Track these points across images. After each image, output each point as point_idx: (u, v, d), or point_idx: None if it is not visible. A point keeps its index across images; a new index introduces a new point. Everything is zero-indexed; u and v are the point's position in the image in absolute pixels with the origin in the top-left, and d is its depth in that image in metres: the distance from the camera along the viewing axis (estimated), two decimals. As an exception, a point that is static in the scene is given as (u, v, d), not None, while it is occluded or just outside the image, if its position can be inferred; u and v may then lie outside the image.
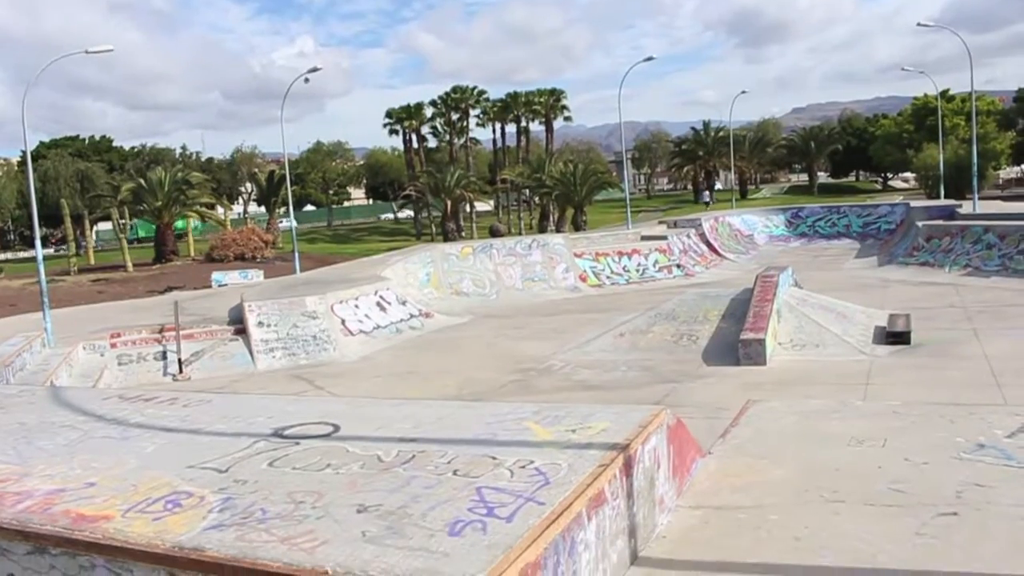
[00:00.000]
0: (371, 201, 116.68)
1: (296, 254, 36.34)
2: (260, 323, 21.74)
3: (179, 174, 57.31)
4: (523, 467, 4.06)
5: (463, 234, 67.14)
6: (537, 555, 3.18)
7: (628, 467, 4.01)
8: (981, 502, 4.26)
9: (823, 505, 4.41)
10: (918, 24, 43.15)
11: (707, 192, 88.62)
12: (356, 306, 23.94)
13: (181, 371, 19.93)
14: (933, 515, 4.12)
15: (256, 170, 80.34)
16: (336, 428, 5.13)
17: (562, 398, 15.26)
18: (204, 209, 60.86)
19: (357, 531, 3.53)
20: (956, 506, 4.25)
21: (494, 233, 61.72)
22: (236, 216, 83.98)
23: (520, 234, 58.54)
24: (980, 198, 44.75)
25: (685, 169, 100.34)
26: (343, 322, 22.86)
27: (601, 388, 15.95)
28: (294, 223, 40.22)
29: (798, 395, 13.77)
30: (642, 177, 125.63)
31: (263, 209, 77.92)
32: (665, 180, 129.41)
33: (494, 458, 4.24)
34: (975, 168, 39.11)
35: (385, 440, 4.76)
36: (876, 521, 4.18)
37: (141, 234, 74.81)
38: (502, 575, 2.97)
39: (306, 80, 36.00)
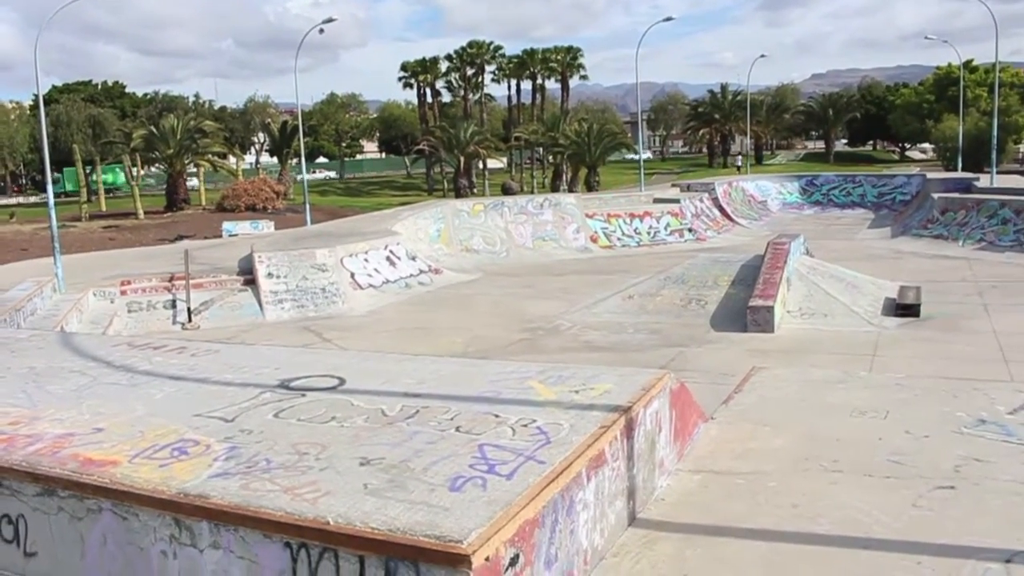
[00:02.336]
0: (384, 155, 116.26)
1: (307, 206, 36.32)
2: (270, 274, 21.80)
3: (191, 122, 57.18)
4: (525, 426, 4.10)
5: (475, 191, 66.95)
6: (536, 512, 3.22)
7: (629, 429, 4.04)
8: (979, 477, 4.28)
9: (822, 474, 4.43)
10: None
11: (740, 156, 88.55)
12: (366, 260, 23.96)
13: (190, 320, 20.01)
14: (930, 488, 4.14)
15: (269, 120, 80.00)
16: (342, 381, 5.16)
17: (569, 358, 15.28)
18: (216, 158, 60.76)
19: (359, 483, 3.58)
20: (954, 480, 4.27)
21: (506, 191, 61.51)
22: (248, 166, 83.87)
23: (533, 192, 58.33)
24: (999, 172, 44.29)
25: (700, 132, 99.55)
26: (352, 275, 22.89)
27: (608, 350, 15.98)
28: (305, 175, 40.14)
29: (804, 364, 13.78)
30: (657, 139, 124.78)
31: (276, 160, 77.73)
32: (680, 143, 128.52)
33: (497, 416, 4.28)
34: (994, 141, 38.69)
35: (390, 395, 4.80)
36: (874, 491, 4.20)
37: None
38: (500, 531, 3.02)
39: (321, 31, 35.77)
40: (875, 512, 3.94)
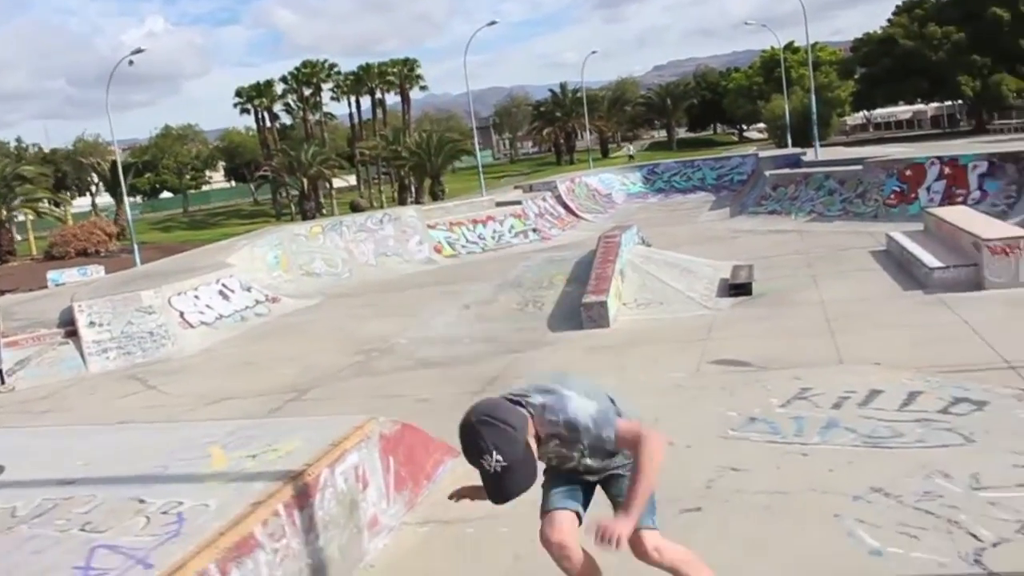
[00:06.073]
0: (233, 183, 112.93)
1: (135, 246, 34.48)
2: (91, 323, 20.39)
3: (7, 168, 53.73)
4: (165, 512, 3.33)
5: (324, 212, 65.50)
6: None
7: (305, 497, 3.36)
8: (730, 492, 3.81)
9: (562, 510, 3.86)
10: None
11: (629, 146, 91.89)
12: (196, 297, 22.69)
13: (3, 382, 18.46)
14: (677, 512, 3.64)
15: (99, 160, 76.08)
16: (0, 469, 4.30)
17: (401, 378, 14.63)
18: (41, 204, 57.32)
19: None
20: (703, 500, 3.77)
21: (355, 209, 60.36)
22: (85, 209, 79.88)
23: (383, 207, 57.35)
24: (827, 145, 45.89)
25: (546, 131, 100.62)
26: (182, 315, 21.62)
27: (442, 365, 15.35)
28: (128, 213, 38.12)
29: (641, 356, 13.53)
30: (504, 142, 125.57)
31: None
32: (530, 144, 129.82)
33: (142, 501, 3.50)
34: (814, 116, 40.05)
35: (40, 484, 3.96)
36: (613, 526, 3.65)
37: None
38: None
39: (130, 63, 33.94)
40: (606, 555, 3.39)
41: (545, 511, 3.78)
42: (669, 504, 3.73)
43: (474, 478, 4.43)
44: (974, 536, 4.30)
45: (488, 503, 3.58)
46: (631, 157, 78.91)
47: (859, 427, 5.83)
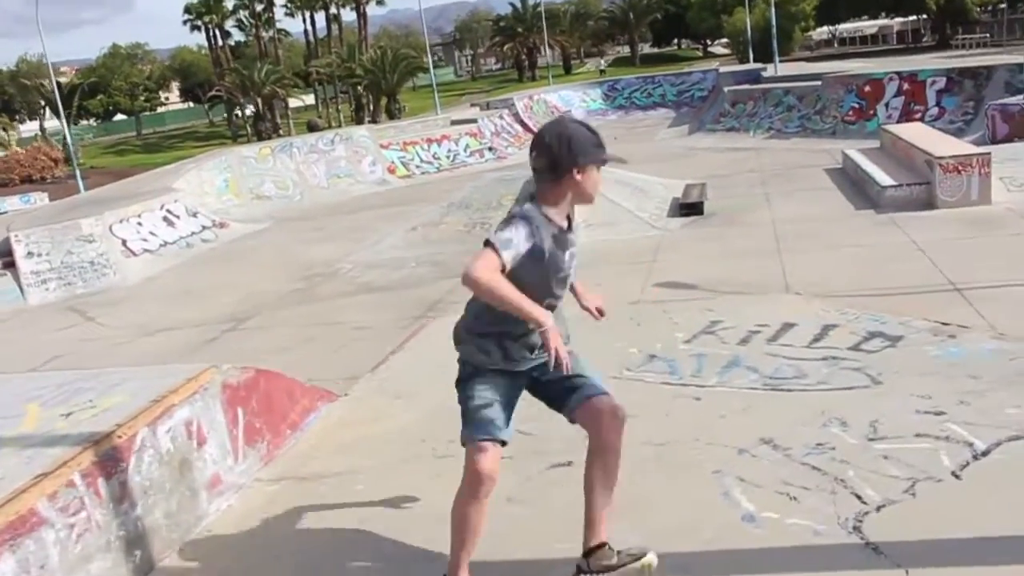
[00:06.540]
0: (189, 105, 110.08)
1: (77, 171, 33.31)
2: (30, 253, 19.72)
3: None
4: None
5: (281, 132, 64.02)
6: None
7: (114, 461, 2.97)
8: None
9: (428, 464, 3.50)
10: None
11: (601, 60, 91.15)
12: (139, 223, 22.00)
13: (-67, 314, 17.79)
14: (545, 467, 3.29)
15: (42, 82, 73.46)
16: None
17: (342, 305, 14.25)
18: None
19: None
20: (577, 453, 3.39)
21: (312, 128, 59.01)
22: (34, 134, 77.53)
23: (340, 127, 56.08)
24: (790, 60, 45.16)
25: (507, 47, 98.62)
26: (124, 243, 20.96)
27: (385, 289, 14.96)
28: (68, 135, 36.84)
29: (585, 280, 13.16)
30: (465, 59, 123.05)
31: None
32: (493, 61, 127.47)
33: None
34: (774, 30, 39.29)
35: None
36: (476, 482, 3.28)
37: None
38: None
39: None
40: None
41: (481, 438, 3.25)
42: (536, 458, 3.38)
43: (346, 424, 4.08)
44: (858, 497, 3.97)
45: (368, 462, 3.19)
46: (602, 71, 77.91)
47: (762, 366, 5.55)
